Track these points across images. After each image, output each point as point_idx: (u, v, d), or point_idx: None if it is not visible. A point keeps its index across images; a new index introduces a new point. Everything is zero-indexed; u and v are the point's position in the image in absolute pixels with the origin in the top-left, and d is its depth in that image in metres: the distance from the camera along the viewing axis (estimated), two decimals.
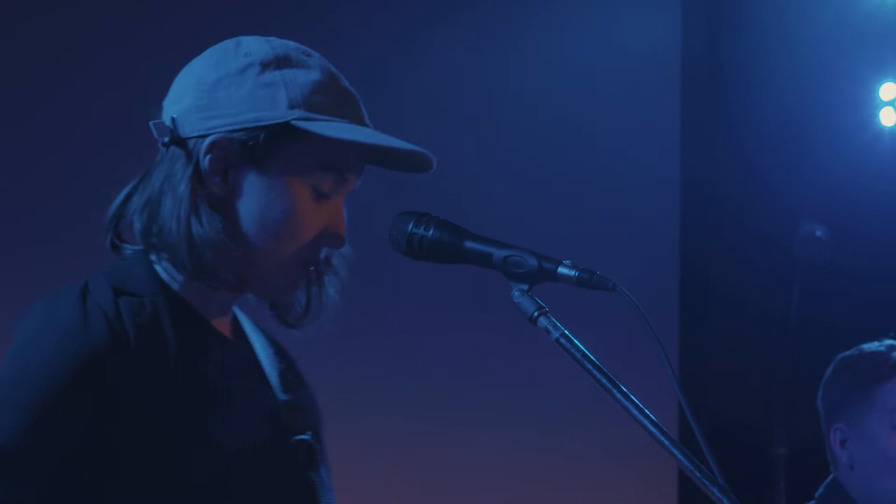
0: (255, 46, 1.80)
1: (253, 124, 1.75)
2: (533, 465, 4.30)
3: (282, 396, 1.84)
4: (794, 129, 4.72)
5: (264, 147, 1.75)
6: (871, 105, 4.75)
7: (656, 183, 4.66)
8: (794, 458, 4.75)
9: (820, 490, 2.83)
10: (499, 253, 1.71)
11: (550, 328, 1.66)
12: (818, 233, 4.74)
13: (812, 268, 4.79)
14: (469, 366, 4.24)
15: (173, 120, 1.78)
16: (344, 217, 1.80)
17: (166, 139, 1.78)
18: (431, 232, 1.74)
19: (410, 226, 1.74)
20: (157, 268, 1.79)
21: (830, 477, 2.82)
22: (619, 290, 1.65)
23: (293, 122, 1.74)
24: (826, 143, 4.69)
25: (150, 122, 1.80)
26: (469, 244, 1.73)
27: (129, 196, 1.80)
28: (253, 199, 1.76)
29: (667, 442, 1.58)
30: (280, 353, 1.93)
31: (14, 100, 3.78)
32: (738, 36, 4.87)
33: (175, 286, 1.78)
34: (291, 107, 1.75)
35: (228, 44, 1.82)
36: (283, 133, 1.75)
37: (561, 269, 1.67)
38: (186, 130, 1.77)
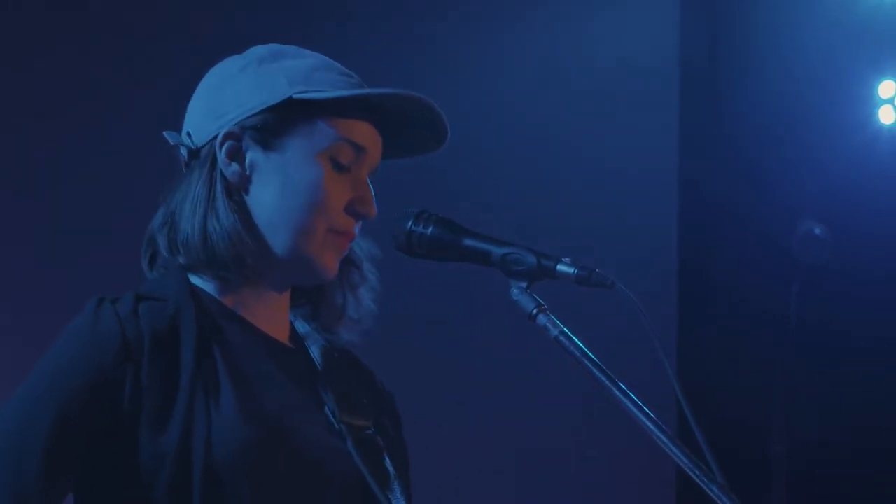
0: (251, 50, 1.86)
1: (259, 108, 1.77)
2: (531, 462, 4.30)
3: (331, 394, 1.82)
4: (793, 127, 4.72)
5: (275, 128, 1.77)
6: (869, 103, 4.75)
7: (655, 182, 4.65)
8: (792, 456, 4.76)
9: None
10: (498, 251, 1.71)
11: (549, 326, 1.66)
12: (817, 231, 4.74)
13: (812, 267, 4.78)
14: (467, 364, 4.24)
15: (188, 134, 1.82)
16: (371, 190, 1.81)
17: (185, 155, 1.82)
18: (431, 229, 1.75)
19: (410, 223, 1.76)
20: (193, 277, 1.80)
21: None
22: (618, 287, 1.65)
23: (295, 96, 1.76)
24: (825, 142, 4.69)
25: (165, 134, 1.84)
26: (468, 242, 1.74)
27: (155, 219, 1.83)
28: (273, 179, 1.77)
29: (666, 439, 1.58)
30: (343, 356, 1.91)
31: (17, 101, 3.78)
32: (737, 34, 4.87)
33: (211, 291, 1.80)
34: (292, 85, 1.78)
35: (228, 58, 1.87)
36: (289, 110, 1.77)
37: (560, 267, 1.68)
38: (201, 138, 1.81)
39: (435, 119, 1.83)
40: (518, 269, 1.69)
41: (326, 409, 1.80)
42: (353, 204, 1.79)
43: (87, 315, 1.71)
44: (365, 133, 1.81)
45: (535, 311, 1.67)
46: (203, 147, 1.80)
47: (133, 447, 1.65)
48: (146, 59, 3.80)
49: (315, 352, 1.88)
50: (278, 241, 1.77)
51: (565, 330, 1.65)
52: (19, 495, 1.63)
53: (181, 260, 1.77)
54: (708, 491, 1.56)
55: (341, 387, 1.85)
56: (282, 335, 1.85)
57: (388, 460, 1.83)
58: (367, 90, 1.80)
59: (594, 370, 1.62)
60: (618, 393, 1.61)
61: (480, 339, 4.21)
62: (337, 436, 1.77)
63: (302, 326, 1.90)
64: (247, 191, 1.78)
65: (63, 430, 1.65)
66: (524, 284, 1.69)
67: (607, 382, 1.62)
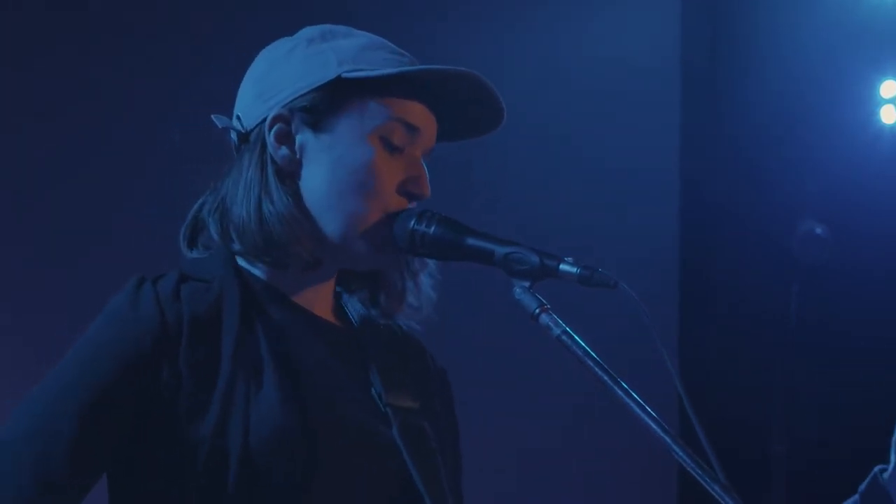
0: (302, 31, 1.84)
1: (308, 89, 1.75)
2: (532, 462, 4.30)
3: (378, 375, 1.79)
4: (794, 127, 4.72)
5: (324, 108, 1.75)
6: (871, 103, 4.75)
7: (656, 182, 4.65)
8: (792, 456, 4.76)
9: (863, 486, 2.75)
10: (500, 250, 1.70)
11: (552, 325, 1.65)
12: (818, 230, 4.73)
13: (812, 267, 4.78)
14: (468, 364, 4.23)
15: (238, 118, 1.80)
16: (425, 170, 1.78)
17: (236, 140, 1.80)
18: (433, 229, 1.73)
19: (412, 222, 1.74)
20: (240, 259, 1.77)
21: (874, 472, 2.72)
22: (620, 287, 1.64)
23: (344, 75, 1.74)
24: (826, 142, 4.69)
25: (213, 117, 1.81)
26: (471, 241, 1.73)
27: (202, 204, 1.80)
28: (323, 160, 1.75)
29: (668, 439, 1.58)
30: (393, 333, 1.89)
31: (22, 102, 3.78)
32: (737, 34, 4.87)
33: (258, 273, 1.77)
34: (341, 64, 1.75)
35: (278, 40, 1.85)
36: (338, 90, 1.75)
37: (563, 267, 1.67)
38: (250, 122, 1.78)
39: (488, 98, 1.82)
40: (521, 269, 1.68)
41: (373, 391, 1.78)
42: (405, 184, 1.76)
43: (126, 296, 1.69)
44: (417, 113, 1.78)
45: (537, 311, 1.66)
46: (252, 131, 1.78)
47: (170, 432, 1.63)
48: (146, 59, 3.79)
49: (364, 331, 1.85)
50: (331, 225, 1.75)
51: (567, 329, 1.64)
52: (44, 481, 1.61)
53: (235, 247, 1.75)
54: (710, 490, 1.55)
55: (390, 367, 1.82)
56: (329, 315, 1.83)
57: (433, 445, 1.82)
58: (414, 67, 1.78)
59: (596, 370, 1.62)
60: (620, 392, 1.61)
61: (481, 339, 4.21)
62: (382, 420, 1.75)
63: (355, 308, 1.87)
64: (298, 175, 1.76)
65: (95, 413, 1.63)
66: (527, 284, 1.68)
67: (609, 382, 1.61)
